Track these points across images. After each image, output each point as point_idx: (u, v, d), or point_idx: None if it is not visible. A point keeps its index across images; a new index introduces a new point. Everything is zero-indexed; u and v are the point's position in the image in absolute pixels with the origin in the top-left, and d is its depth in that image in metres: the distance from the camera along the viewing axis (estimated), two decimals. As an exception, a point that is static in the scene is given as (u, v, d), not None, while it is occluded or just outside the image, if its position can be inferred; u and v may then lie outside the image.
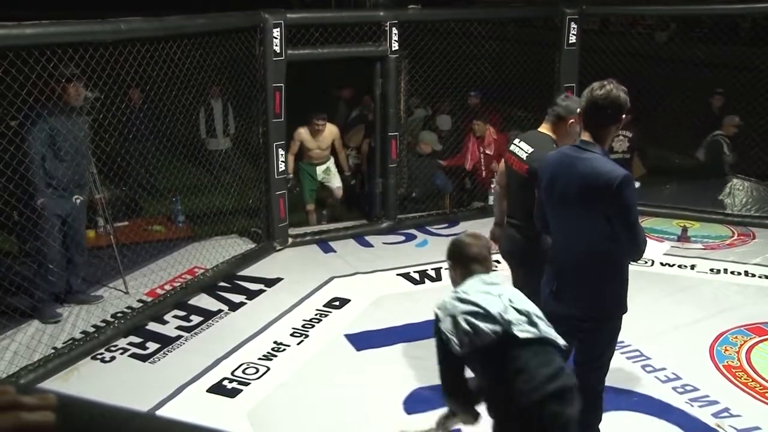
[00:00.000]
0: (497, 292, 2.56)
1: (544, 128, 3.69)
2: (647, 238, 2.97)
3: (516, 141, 3.75)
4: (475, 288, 2.57)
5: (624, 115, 2.83)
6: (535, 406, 2.40)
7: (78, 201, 4.79)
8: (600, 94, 2.81)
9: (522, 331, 2.45)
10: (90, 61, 4.34)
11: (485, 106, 7.52)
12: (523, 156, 3.61)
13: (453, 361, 2.53)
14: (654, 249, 3.14)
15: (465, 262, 2.69)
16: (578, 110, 2.96)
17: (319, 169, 6.92)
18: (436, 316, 2.56)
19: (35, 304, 4.69)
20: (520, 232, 3.72)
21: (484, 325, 2.44)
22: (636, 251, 2.84)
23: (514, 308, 2.51)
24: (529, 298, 2.67)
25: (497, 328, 2.44)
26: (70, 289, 4.98)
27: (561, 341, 2.54)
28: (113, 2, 14.21)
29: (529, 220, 3.49)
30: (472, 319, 2.46)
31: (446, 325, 2.50)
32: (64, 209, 4.70)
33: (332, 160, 7.00)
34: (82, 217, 4.99)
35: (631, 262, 2.98)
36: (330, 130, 6.82)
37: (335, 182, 7.02)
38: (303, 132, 6.69)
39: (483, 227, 4.24)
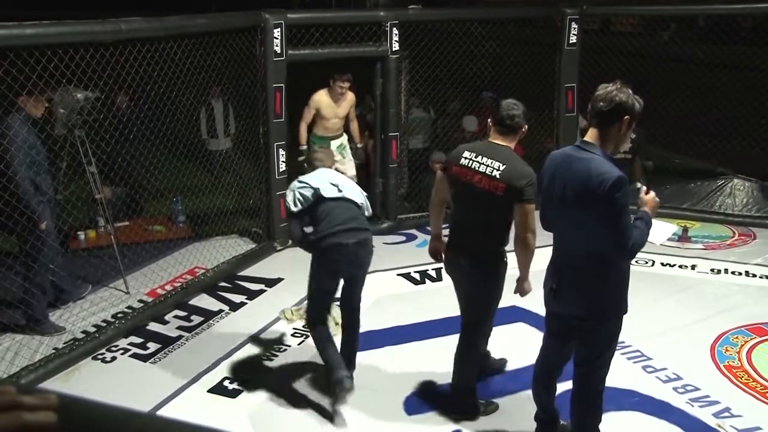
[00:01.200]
0: (324, 176, 3.92)
1: (499, 140, 3.45)
2: (655, 222, 2.99)
3: (468, 154, 3.43)
4: (311, 175, 3.94)
5: (629, 117, 2.81)
6: (330, 240, 3.72)
7: (52, 203, 4.78)
8: (601, 93, 2.81)
9: (327, 191, 3.81)
10: (90, 61, 4.34)
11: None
12: (494, 173, 3.33)
13: (293, 216, 3.87)
14: (660, 230, 3.13)
15: (311, 162, 4.09)
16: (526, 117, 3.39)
17: (334, 144, 6.20)
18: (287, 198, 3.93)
19: (29, 324, 4.61)
20: (476, 249, 3.50)
21: (306, 192, 3.83)
22: (624, 254, 2.82)
23: (329, 183, 3.86)
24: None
25: (312, 192, 3.82)
26: (62, 289, 4.96)
27: (361, 200, 3.91)
28: (114, 2, 14.24)
29: (488, 236, 3.45)
30: (300, 190, 3.85)
31: (288, 197, 3.91)
32: (51, 216, 4.67)
33: (345, 137, 6.42)
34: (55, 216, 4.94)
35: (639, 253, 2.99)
36: (350, 97, 6.26)
37: (350, 168, 6.13)
38: (323, 96, 6.12)
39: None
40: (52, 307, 4.88)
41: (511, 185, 3.31)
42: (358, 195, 3.92)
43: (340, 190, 3.85)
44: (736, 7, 7.18)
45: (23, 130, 4.34)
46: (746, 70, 7.24)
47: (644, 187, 2.97)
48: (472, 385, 3.74)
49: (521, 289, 3.57)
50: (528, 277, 3.53)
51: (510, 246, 3.50)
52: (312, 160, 4.09)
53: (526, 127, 3.52)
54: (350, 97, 6.26)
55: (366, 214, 3.93)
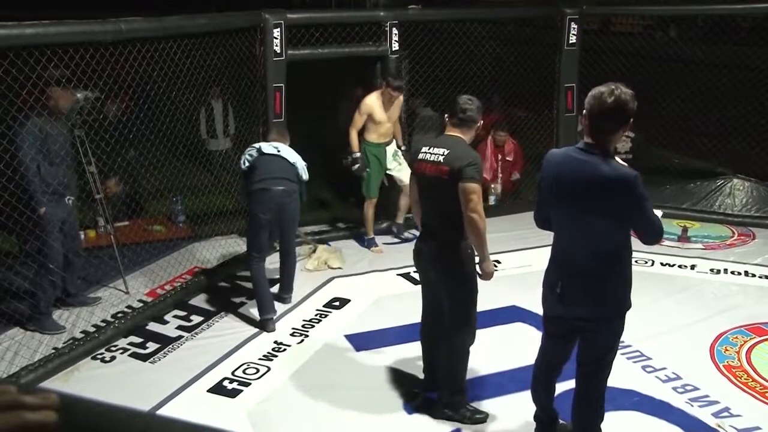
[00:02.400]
0: (273, 144, 4.85)
1: (454, 132, 3.56)
2: None
3: (425, 149, 3.56)
4: (262, 143, 4.90)
5: (631, 119, 2.82)
6: (260, 185, 4.65)
7: (70, 201, 4.76)
8: (611, 101, 2.77)
9: (266, 149, 4.77)
10: (90, 61, 4.34)
11: (503, 111, 7.50)
12: (439, 159, 3.45)
13: (243, 176, 4.82)
14: None
15: (266, 137, 5.11)
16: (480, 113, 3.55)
17: (389, 152, 6.04)
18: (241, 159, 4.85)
19: (34, 315, 4.63)
20: (438, 240, 3.57)
21: (251, 151, 4.79)
22: (658, 236, 2.95)
23: (271, 146, 4.81)
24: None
25: (256, 150, 4.78)
26: (68, 292, 4.95)
27: (294, 160, 4.81)
28: (114, 3, 14.25)
29: (447, 226, 3.48)
30: (248, 152, 4.80)
31: (242, 157, 4.82)
32: (59, 213, 4.65)
33: (395, 141, 6.21)
34: (75, 217, 4.95)
35: (638, 253, 3.05)
36: (400, 99, 6.04)
37: (405, 175, 5.75)
38: (374, 100, 5.88)
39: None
40: (54, 306, 4.88)
41: (452, 166, 3.39)
42: (294, 157, 4.84)
43: (278, 150, 4.79)
44: (735, 7, 7.19)
45: (37, 125, 4.36)
46: (746, 70, 7.24)
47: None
48: (457, 387, 3.70)
49: (482, 270, 3.55)
50: (487, 257, 3.52)
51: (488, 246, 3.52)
52: (267, 138, 5.06)
53: (481, 122, 3.65)
54: (400, 99, 6.06)
55: (302, 175, 4.82)
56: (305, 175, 4.86)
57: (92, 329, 4.63)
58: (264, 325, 4.72)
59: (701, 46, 8.35)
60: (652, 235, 2.93)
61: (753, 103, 7.02)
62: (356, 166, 5.91)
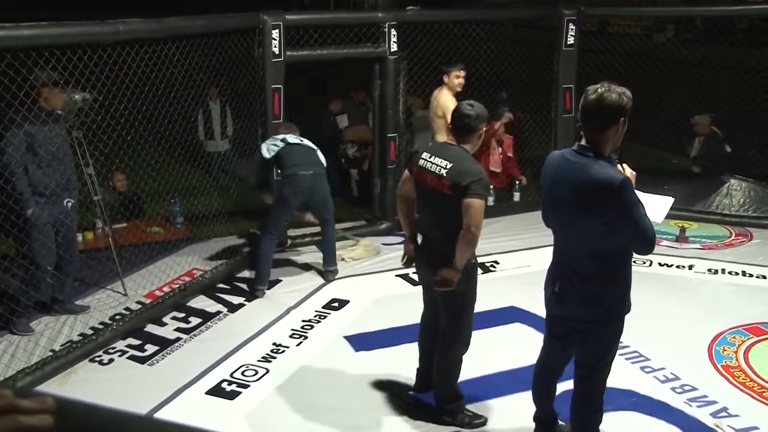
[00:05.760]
0: (293, 136, 5.31)
1: (454, 140, 3.47)
2: (650, 197, 2.97)
3: (425, 155, 3.47)
4: (280, 135, 5.31)
5: (624, 117, 2.81)
6: (293, 170, 5.14)
7: (69, 204, 4.73)
8: (593, 98, 2.77)
9: (291, 139, 5.23)
10: (88, 63, 4.34)
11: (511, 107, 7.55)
12: (442, 172, 3.35)
13: (264, 163, 5.29)
14: (657, 207, 3.06)
15: (278, 130, 5.48)
16: (485, 118, 3.46)
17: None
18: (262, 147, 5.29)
19: (9, 316, 4.56)
20: (437, 253, 3.45)
21: (276, 142, 5.22)
22: (646, 246, 2.81)
23: (293, 136, 5.29)
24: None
25: (281, 140, 5.22)
26: (55, 299, 4.87)
27: (315, 147, 5.36)
28: (114, 4, 14.26)
29: (447, 240, 3.34)
30: (271, 143, 5.23)
31: (262, 149, 5.23)
32: (53, 215, 4.60)
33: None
34: (73, 221, 4.87)
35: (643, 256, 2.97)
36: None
37: None
38: (446, 95, 5.90)
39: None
40: (44, 311, 4.84)
41: (455, 183, 3.32)
42: (314, 146, 5.37)
43: (301, 140, 5.32)
44: (731, 8, 7.20)
45: (22, 127, 4.30)
46: (742, 71, 7.25)
47: (619, 166, 2.89)
48: (452, 394, 3.69)
49: (451, 268, 3.33)
50: (458, 266, 3.33)
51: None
52: (279, 133, 5.42)
53: (484, 129, 3.51)
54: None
55: (322, 159, 5.35)
56: (324, 162, 5.39)
57: (90, 332, 4.62)
58: (254, 291, 5.28)
59: (698, 47, 8.37)
60: (640, 244, 2.82)
61: (750, 104, 7.03)
62: None
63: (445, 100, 5.93)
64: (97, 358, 4.42)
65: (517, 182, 7.17)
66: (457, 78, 6.06)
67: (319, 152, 5.38)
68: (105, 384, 4.13)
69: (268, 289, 5.42)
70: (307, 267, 5.87)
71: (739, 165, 7.20)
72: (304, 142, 5.36)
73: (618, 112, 2.77)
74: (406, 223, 3.72)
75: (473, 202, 3.29)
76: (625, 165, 2.90)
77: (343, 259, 5.89)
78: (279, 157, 5.21)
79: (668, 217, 6.54)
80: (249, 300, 5.29)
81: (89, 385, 4.12)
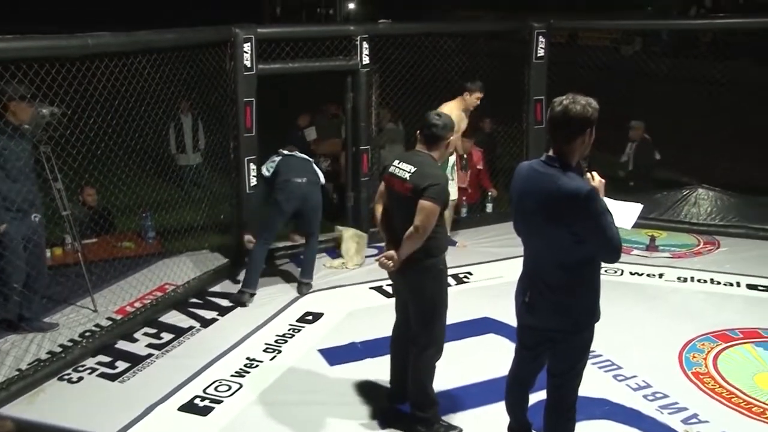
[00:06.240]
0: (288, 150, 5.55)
1: (422, 148, 3.56)
2: (618, 204, 3.00)
3: (396, 162, 3.58)
4: (281, 155, 5.51)
5: (590, 127, 2.84)
6: (285, 180, 5.32)
7: (37, 219, 4.65)
8: (558, 110, 2.81)
9: (286, 150, 5.50)
10: (56, 76, 4.29)
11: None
12: (406, 176, 3.47)
13: (265, 180, 5.42)
14: (625, 213, 3.09)
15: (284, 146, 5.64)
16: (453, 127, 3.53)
17: (451, 161, 6.10)
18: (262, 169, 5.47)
19: None
20: (406, 265, 3.49)
21: (274, 158, 5.44)
22: (613, 255, 2.85)
23: (289, 151, 5.53)
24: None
25: (277, 157, 5.44)
26: (22, 316, 4.75)
27: (310, 159, 5.63)
28: (85, 17, 14.15)
29: (417, 250, 3.42)
30: (270, 163, 5.42)
31: (263, 169, 5.45)
32: (21, 231, 4.51)
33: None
34: (41, 237, 4.78)
35: (610, 264, 2.97)
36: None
37: (453, 192, 5.93)
38: (458, 112, 5.93)
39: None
40: (10, 330, 4.73)
41: (415, 186, 3.41)
42: (310, 158, 5.64)
43: (296, 153, 5.55)
44: (694, 22, 7.37)
45: None
46: (706, 83, 7.42)
47: (588, 174, 2.92)
48: (427, 400, 3.69)
49: (383, 257, 3.53)
50: (399, 256, 3.46)
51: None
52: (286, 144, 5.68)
53: (451, 138, 3.61)
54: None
55: (316, 169, 5.53)
56: (321, 177, 5.57)
57: (59, 350, 4.53)
58: (240, 296, 5.35)
59: (665, 59, 8.54)
60: (606, 253, 2.85)
61: (714, 115, 7.18)
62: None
63: (458, 119, 5.89)
64: (66, 377, 4.33)
65: (489, 194, 7.23)
66: (477, 99, 6.05)
67: (314, 164, 5.58)
68: (74, 403, 4.05)
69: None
70: (280, 281, 5.84)
71: (702, 174, 7.36)
72: (299, 154, 5.58)
73: (584, 123, 2.81)
74: (387, 236, 3.72)
75: (426, 205, 3.37)
76: (594, 173, 2.93)
77: (345, 267, 6.08)
78: (276, 170, 5.39)
79: (638, 226, 6.68)
80: (222, 314, 5.24)
81: (57, 404, 4.03)
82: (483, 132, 7.90)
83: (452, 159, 6.21)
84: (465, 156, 6.76)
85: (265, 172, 5.43)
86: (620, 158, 7.88)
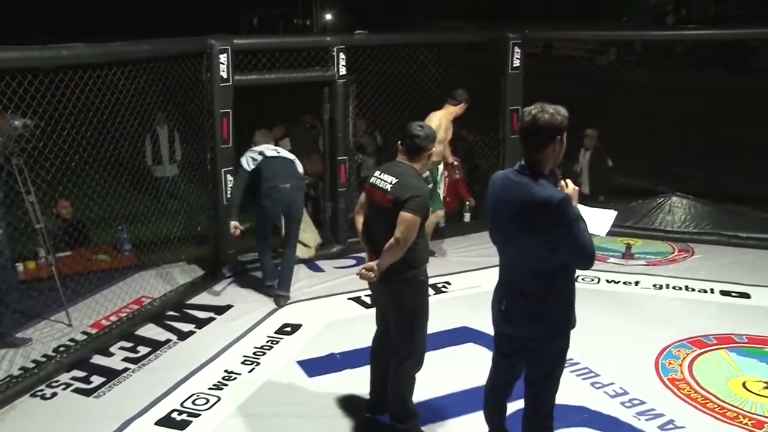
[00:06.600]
0: (265, 146, 5.52)
1: (404, 159, 3.55)
2: (592, 211, 3.03)
3: (378, 173, 3.58)
4: (258, 146, 5.53)
5: (560, 135, 2.85)
6: (273, 183, 5.37)
7: (1, 232, 4.58)
8: (527, 120, 2.84)
9: (269, 152, 5.46)
10: (29, 88, 4.24)
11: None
12: (387, 187, 3.46)
13: (245, 176, 5.41)
14: (599, 220, 3.12)
15: (258, 141, 5.63)
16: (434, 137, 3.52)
17: (440, 170, 6.26)
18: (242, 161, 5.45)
19: None
20: (386, 276, 3.47)
21: (254, 155, 5.43)
22: (586, 261, 2.87)
23: (270, 148, 5.53)
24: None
25: (258, 153, 5.43)
26: None
27: (293, 158, 5.56)
28: (60, 27, 14.03)
29: (397, 261, 3.41)
30: (251, 155, 5.42)
31: (243, 162, 5.42)
32: None
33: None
34: (7, 251, 4.70)
35: (584, 271, 2.98)
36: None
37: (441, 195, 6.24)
38: (444, 120, 6.03)
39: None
40: None
41: (396, 197, 3.40)
42: (292, 156, 5.60)
43: (278, 152, 5.52)
44: (667, 33, 7.50)
45: None
46: (678, 92, 7.55)
47: (562, 182, 2.94)
48: (407, 412, 3.69)
49: (363, 268, 3.52)
50: (379, 267, 3.44)
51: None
52: (256, 142, 5.63)
53: (432, 149, 3.61)
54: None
55: (299, 169, 5.56)
56: (301, 170, 5.61)
57: (31, 365, 4.45)
58: (273, 290, 5.64)
59: (638, 69, 8.67)
60: (580, 260, 2.87)
61: (688, 125, 7.31)
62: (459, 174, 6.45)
63: (446, 129, 6.05)
64: (39, 393, 4.25)
65: (467, 203, 7.26)
66: (462, 108, 6.18)
67: (297, 163, 5.56)
68: (47, 420, 3.98)
69: (219, 314, 5.36)
70: (258, 292, 5.80)
71: (672, 182, 7.47)
72: (282, 153, 5.54)
73: (553, 131, 2.83)
74: (367, 247, 3.71)
75: (406, 217, 3.37)
76: (567, 180, 2.96)
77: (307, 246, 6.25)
78: (259, 171, 5.37)
79: (614, 234, 6.79)
80: (199, 327, 5.19)
81: (29, 421, 3.96)
82: (465, 141, 7.94)
83: (441, 167, 6.26)
84: (455, 163, 6.77)
85: (246, 166, 5.39)
86: (573, 167, 7.93)
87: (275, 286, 5.59)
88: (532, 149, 2.87)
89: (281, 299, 5.55)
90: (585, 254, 2.82)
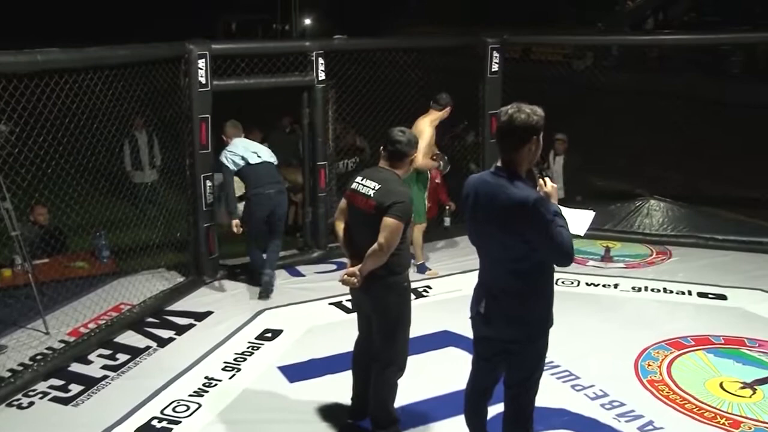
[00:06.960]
0: (242, 145, 5.73)
1: (386, 165, 3.54)
2: (571, 212, 3.05)
3: (359, 179, 3.56)
4: (235, 145, 5.73)
5: (536, 135, 2.87)
6: (259, 190, 5.60)
7: None
8: (503, 120, 2.86)
9: (251, 159, 5.64)
10: (2, 93, 4.18)
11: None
12: (370, 193, 3.45)
13: (232, 173, 5.63)
14: (578, 220, 3.14)
15: (230, 133, 5.82)
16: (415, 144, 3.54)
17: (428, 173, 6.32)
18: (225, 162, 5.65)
19: None
20: (369, 275, 3.47)
21: (236, 158, 5.63)
22: (564, 259, 2.87)
23: (250, 151, 5.70)
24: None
25: (241, 158, 5.63)
26: None
27: (273, 159, 5.79)
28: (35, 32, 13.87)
29: (379, 267, 3.42)
30: (232, 157, 5.64)
31: (226, 161, 5.61)
32: None
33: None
34: None
35: (563, 269, 2.98)
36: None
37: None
38: (429, 126, 6.04)
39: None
40: None
41: (379, 203, 3.40)
42: (271, 156, 5.80)
43: (259, 156, 5.70)
44: (642, 38, 7.59)
45: None
46: (655, 96, 7.64)
47: (541, 180, 2.95)
48: (388, 418, 3.69)
49: (345, 273, 3.54)
50: (361, 273, 3.46)
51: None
52: (229, 135, 5.79)
53: (415, 155, 3.60)
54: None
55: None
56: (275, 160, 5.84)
57: (7, 374, 4.38)
58: (265, 281, 5.76)
59: (614, 73, 8.77)
60: (558, 257, 2.88)
61: (665, 128, 7.40)
62: (446, 169, 6.39)
63: (431, 134, 6.05)
64: (15, 402, 4.19)
65: (447, 208, 7.27)
66: (446, 113, 6.15)
67: (274, 160, 5.82)
68: (24, 429, 3.92)
69: (199, 321, 5.33)
70: (238, 298, 5.77)
71: (650, 185, 7.56)
72: (263, 157, 5.72)
73: (529, 131, 2.85)
74: (349, 252, 3.70)
75: (389, 222, 3.37)
76: (547, 179, 2.98)
77: None
78: (243, 175, 5.65)
79: (593, 237, 6.85)
80: (179, 333, 5.15)
81: (6, 431, 3.89)
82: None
83: (429, 174, 6.29)
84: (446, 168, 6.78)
85: (232, 165, 5.62)
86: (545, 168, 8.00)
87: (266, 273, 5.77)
88: (509, 149, 2.89)
89: (265, 276, 5.75)
90: (563, 252, 2.83)
